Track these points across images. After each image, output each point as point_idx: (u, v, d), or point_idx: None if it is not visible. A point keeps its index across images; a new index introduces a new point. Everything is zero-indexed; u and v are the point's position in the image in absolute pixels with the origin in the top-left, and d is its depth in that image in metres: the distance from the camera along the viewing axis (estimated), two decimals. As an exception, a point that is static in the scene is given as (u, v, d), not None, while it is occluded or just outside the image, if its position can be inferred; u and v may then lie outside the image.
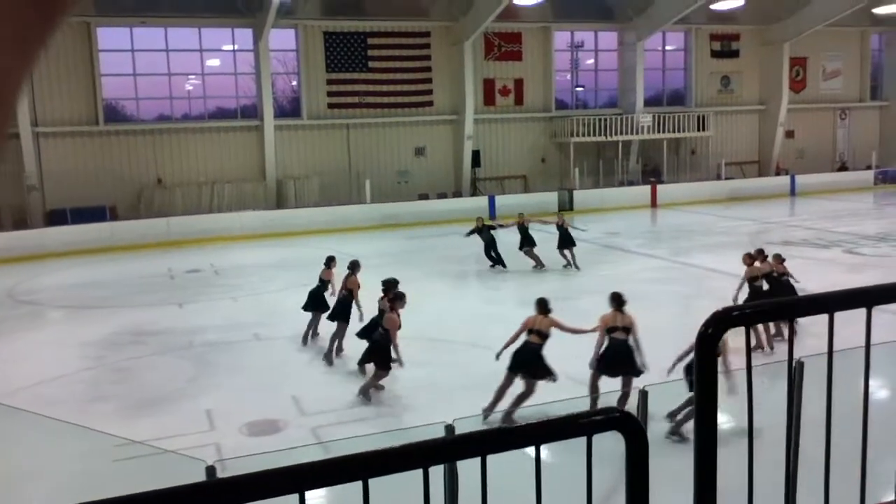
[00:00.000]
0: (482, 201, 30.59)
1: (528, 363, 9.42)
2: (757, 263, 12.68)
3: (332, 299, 13.04)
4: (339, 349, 12.38)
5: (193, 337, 14.07)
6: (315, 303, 13.27)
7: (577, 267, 19.00)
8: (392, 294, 11.12)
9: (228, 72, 30.19)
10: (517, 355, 9.48)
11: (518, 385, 9.50)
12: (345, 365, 11.97)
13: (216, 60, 30.34)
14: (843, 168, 38.60)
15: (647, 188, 32.97)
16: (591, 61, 35.85)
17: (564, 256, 19.19)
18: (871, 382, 2.15)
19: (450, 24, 31.40)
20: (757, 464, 1.98)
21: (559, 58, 34.69)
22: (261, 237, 26.47)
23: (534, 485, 1.64)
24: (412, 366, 11.83)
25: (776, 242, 22.69)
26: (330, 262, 13.90)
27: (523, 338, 9.63)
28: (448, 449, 1.48)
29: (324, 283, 13.54)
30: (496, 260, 19.58)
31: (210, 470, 4.90)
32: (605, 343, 9.39)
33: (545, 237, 19.73)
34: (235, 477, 1.30)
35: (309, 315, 13.28)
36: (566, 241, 19.26)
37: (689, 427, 8.05)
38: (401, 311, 10.74)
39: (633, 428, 1.57)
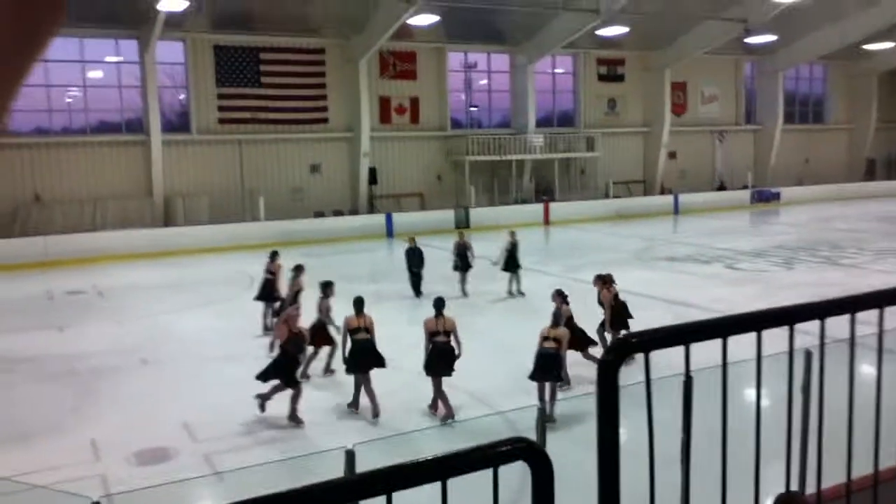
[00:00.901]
0: (379, 219, 30.54)
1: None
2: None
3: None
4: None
5: (76, 362, 13.33)
6: (265, 293, 14.81)
7: (521, 293, 17.74)
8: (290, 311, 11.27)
9: (112, 84, 29.02)
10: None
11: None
12: (239, 390, 11.62)
13: (99, 72, 29.11)
14: (721, 188, 40.71)
15: (540, 206, 33.75)
16: (485, 82, 36.51)
17: (510, 281, 17.81)
18: (747, 394, 2.26)
19: (344, 42, 31.31)
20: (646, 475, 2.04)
21: (453, 78, 35.15)
22: (148, 256, 25.47)
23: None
24: (310, 387, 11.63)
25: (661, 258, 23.66)
26: (274, 255, 15.23)
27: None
28: (351, 488, 1.43)
29: (272, 275, 14.84)
30: (416, 285, 17.86)
31: (94, 507, 4.62)
32: (430, 347, 10.09)
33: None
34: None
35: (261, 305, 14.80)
36: (513, 263, 17.85)
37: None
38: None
39: (538, 457, 1.57)
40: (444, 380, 10.13)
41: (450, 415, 9.99)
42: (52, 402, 11.43)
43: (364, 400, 10.30)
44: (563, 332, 9.99)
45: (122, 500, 6.66)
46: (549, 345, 9.79)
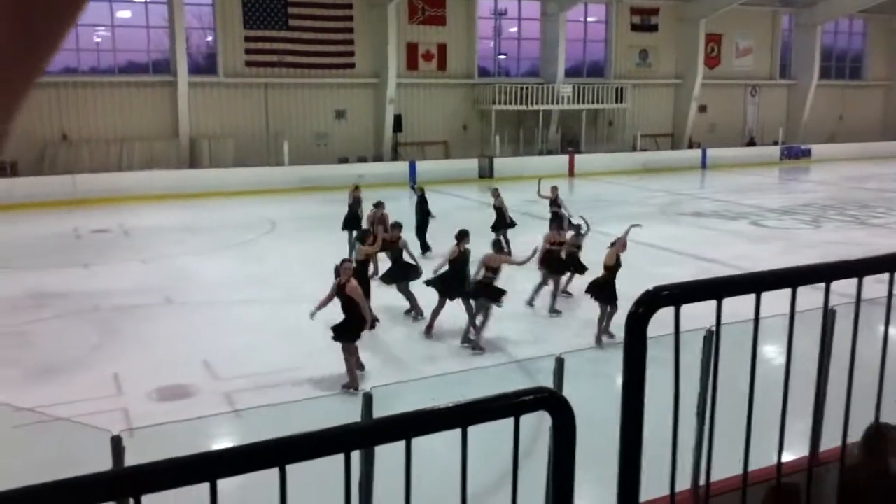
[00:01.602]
0: (403, 166, 30.42)
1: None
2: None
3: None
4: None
5: (100, 300, 13.54)
6: (346, 223, 16.41)
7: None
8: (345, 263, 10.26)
9: (140, 24, 28.86)
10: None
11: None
12: (259, 332, 11.76)
13: (127, 12, 28.92)
14: (751, 143, 39.98)
15: (566, 158, 33.40)
16: (514, 30, 35.85)
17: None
18: (764, 351, 2.21)
19: (373, -15, 30.82)
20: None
21: (482, 25, 34.55)
22: (173, 197, 25.63)
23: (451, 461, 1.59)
24: (330, 331, 11.74)
25: (687, 213, 23.40)
26: (357, 188, 16.91)
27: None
28: (371, 433, 1.41)
29: (357, 201, 16.49)
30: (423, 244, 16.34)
31: (116, 440, 4.70)
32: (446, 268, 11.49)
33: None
34: (142, 466, 1.20)
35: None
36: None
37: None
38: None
39: (561, 407, 1.54)
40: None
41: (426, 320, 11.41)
42: (77, 338, 11.64)
43: None
44: (610, 254, 11.02)
45: (142, 434, 6.80)
46: (603, 272, 11.06)
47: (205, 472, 1.22)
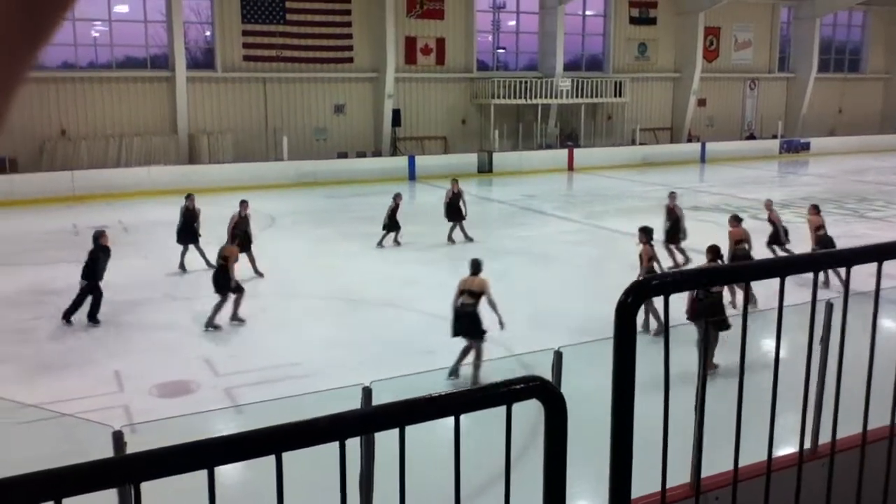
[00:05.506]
0: (402, 161, 30.42)
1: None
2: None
3: None
4: None
5: (100, 296, 13.54)
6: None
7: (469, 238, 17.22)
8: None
9: (138, 19, 28.82)
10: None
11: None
12: (260, 328, 11.79)
13: (124, 6, 28.88)
14: (750, 137, 39.97)
15: (565, 152, 33.40)
16: (513, 23, 35.81)
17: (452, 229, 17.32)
18: (761, 344, 2.23)
19: (371, -21, 30.77)
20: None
21: (481, 18, 34.50)
22: (172, 193, 25.55)
23: (450, 451, 1.62)
24: (329, 326, 11.78)
25: (686, 207, 23.35)
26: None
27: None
28: (366, 421, 1.44)
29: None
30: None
31: (117, 435, 4.73)
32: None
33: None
34: (140, 453, 1.23)
35: None
36: (457, 213, 17.19)
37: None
38: None
39: (552, 396, 1.57)
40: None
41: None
42: (78, 335, 11.66)
43: None
44: (479, 282, 9.48)
45: (143, 429, 6.83)
46: (466, 299, 9.33)
47: (202, 459, 1.25)
